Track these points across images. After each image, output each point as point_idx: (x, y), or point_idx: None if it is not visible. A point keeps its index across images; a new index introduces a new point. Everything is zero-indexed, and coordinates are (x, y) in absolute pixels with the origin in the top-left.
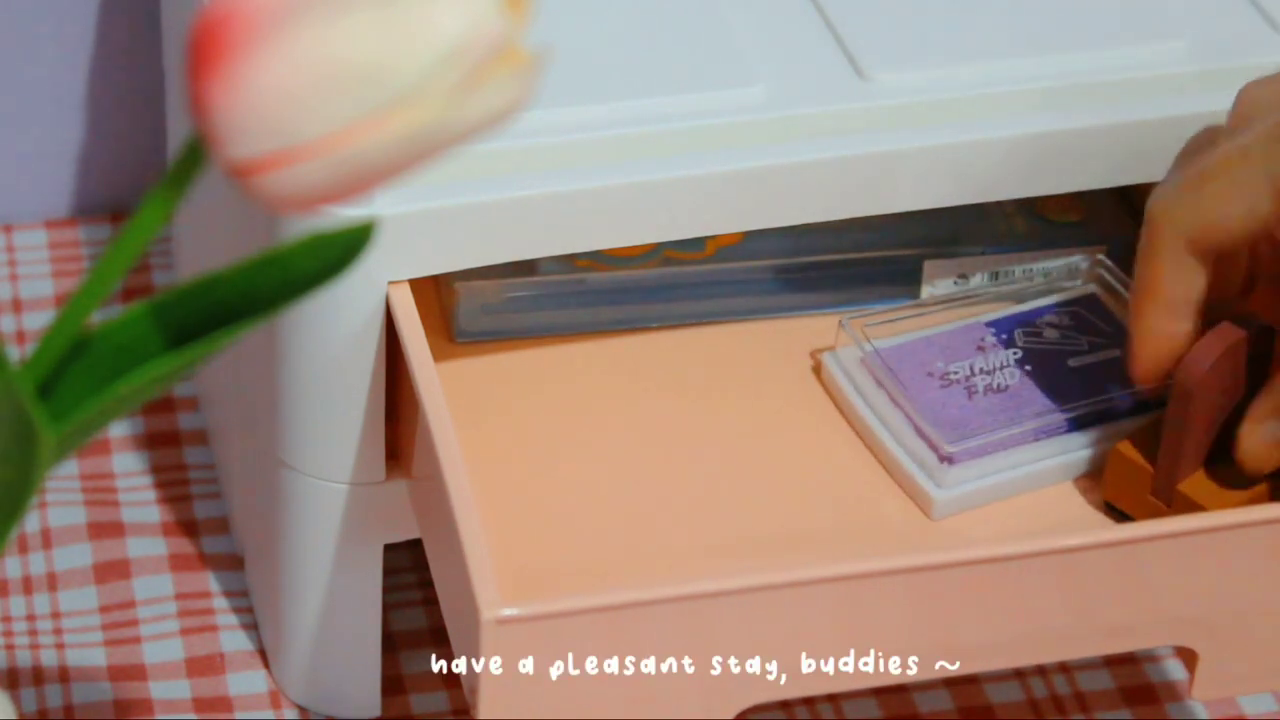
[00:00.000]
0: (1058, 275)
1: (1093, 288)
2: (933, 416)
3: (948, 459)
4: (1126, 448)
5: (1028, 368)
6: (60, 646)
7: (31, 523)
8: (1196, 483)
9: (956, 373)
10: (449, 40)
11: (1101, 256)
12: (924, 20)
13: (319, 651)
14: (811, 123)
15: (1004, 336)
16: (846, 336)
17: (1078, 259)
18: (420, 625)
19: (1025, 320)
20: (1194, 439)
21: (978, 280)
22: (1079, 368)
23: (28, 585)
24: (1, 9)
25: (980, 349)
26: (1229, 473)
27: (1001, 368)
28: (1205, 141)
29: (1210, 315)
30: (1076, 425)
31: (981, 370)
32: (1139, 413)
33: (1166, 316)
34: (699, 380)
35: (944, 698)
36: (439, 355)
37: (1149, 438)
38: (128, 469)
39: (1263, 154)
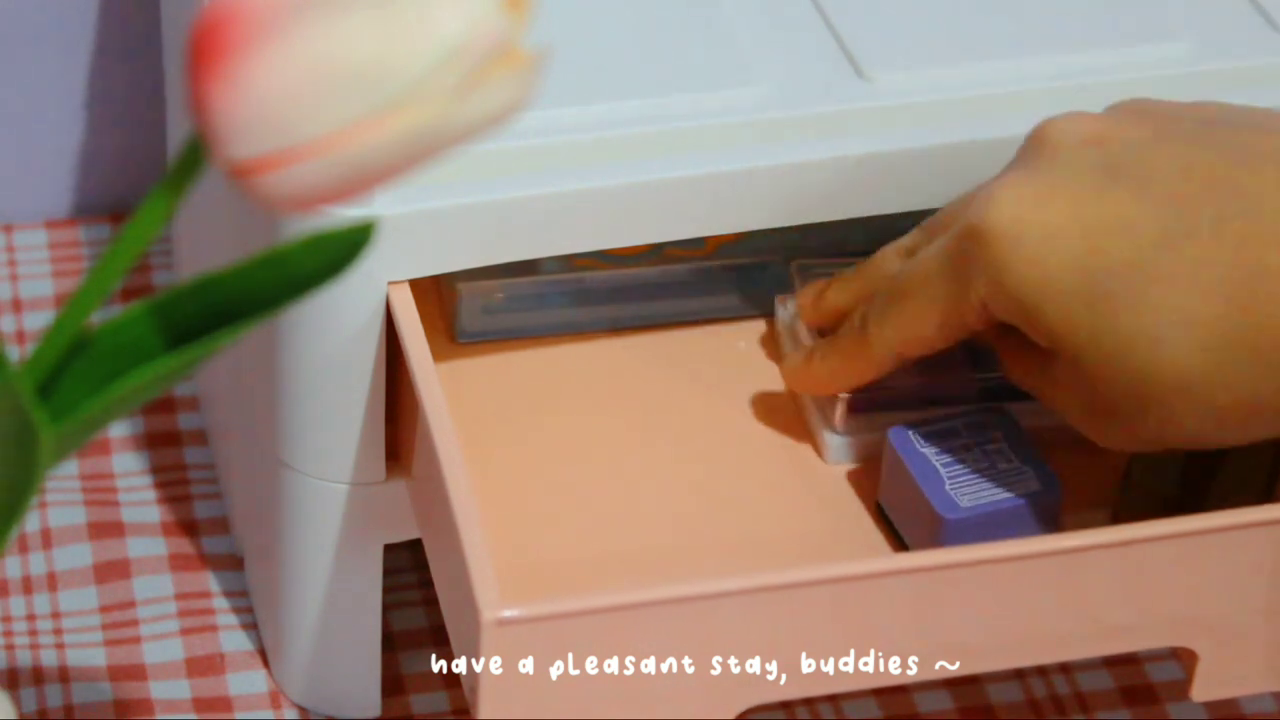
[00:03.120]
0: None
1: None
2: None
3: (846, 404)
4: (1140, 479)
5: None
6: (60, 646)
7: (31, 523)
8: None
9: None
10: (449, 40)
11: None
12: (924, 20)
13: (319, 651)
14: (811, 123)
15: None
16: (796, 283)
17: None
18: (420, 625)
19: None
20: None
21: None
22: None
23: (28, 585)
24: (1, 9)
25: None
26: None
27: None
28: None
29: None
30: (994, 394)
31: None
32: None
33: (853, 384)
34: (700, 379)
35: (944, 698)
36: (439, 355)
37: (1154, 463)
38: (128, 469)
39: (937, 276)
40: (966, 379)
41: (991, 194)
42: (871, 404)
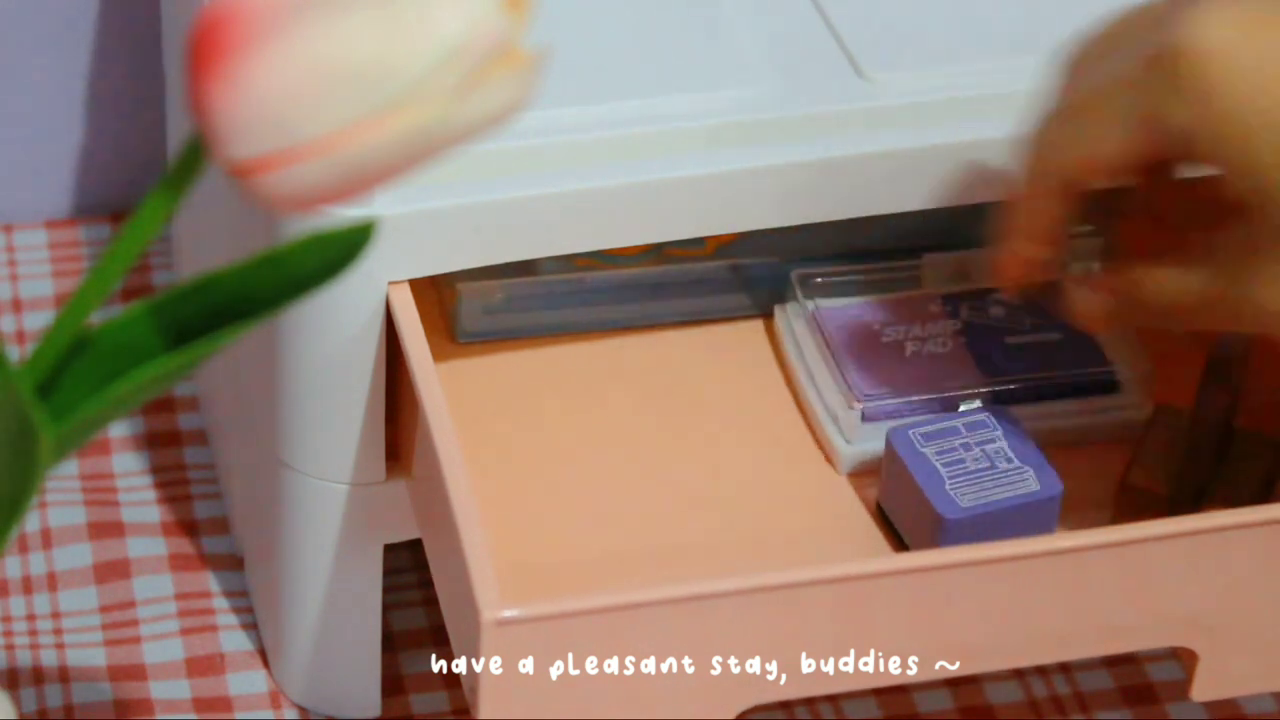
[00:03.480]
0: None
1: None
2: (855, 374)
3: (860, 414)
4: (1139, 479)
5: (964, 340)
6: (60, 646)
7: (31, 523)
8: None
9: (890, 336)
10: (449, 40)
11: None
12: (924, 20)
13: (319, 651)
14: (811, 123)
15: (949, 308)
16: (798, 291)
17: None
18: (420, 625)
19: (977, 296)
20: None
21: (978, 273)
22: (1015, 345)
23: (28, 585)
24: (1, 9)
25: (923, 318)
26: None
27: (935, 336)
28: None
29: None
30: (1002, 400)
31: (916, 336)
32: (1067, 395)
33: (1032, 243)
34: (700, 379)
35: (944, 698)
36: (439, 355)
37: (1154, 464)
38: (128, 469)
39: (1131, 91)
40: (980, 387)
41: (1195, 16)
42: (884, 414)
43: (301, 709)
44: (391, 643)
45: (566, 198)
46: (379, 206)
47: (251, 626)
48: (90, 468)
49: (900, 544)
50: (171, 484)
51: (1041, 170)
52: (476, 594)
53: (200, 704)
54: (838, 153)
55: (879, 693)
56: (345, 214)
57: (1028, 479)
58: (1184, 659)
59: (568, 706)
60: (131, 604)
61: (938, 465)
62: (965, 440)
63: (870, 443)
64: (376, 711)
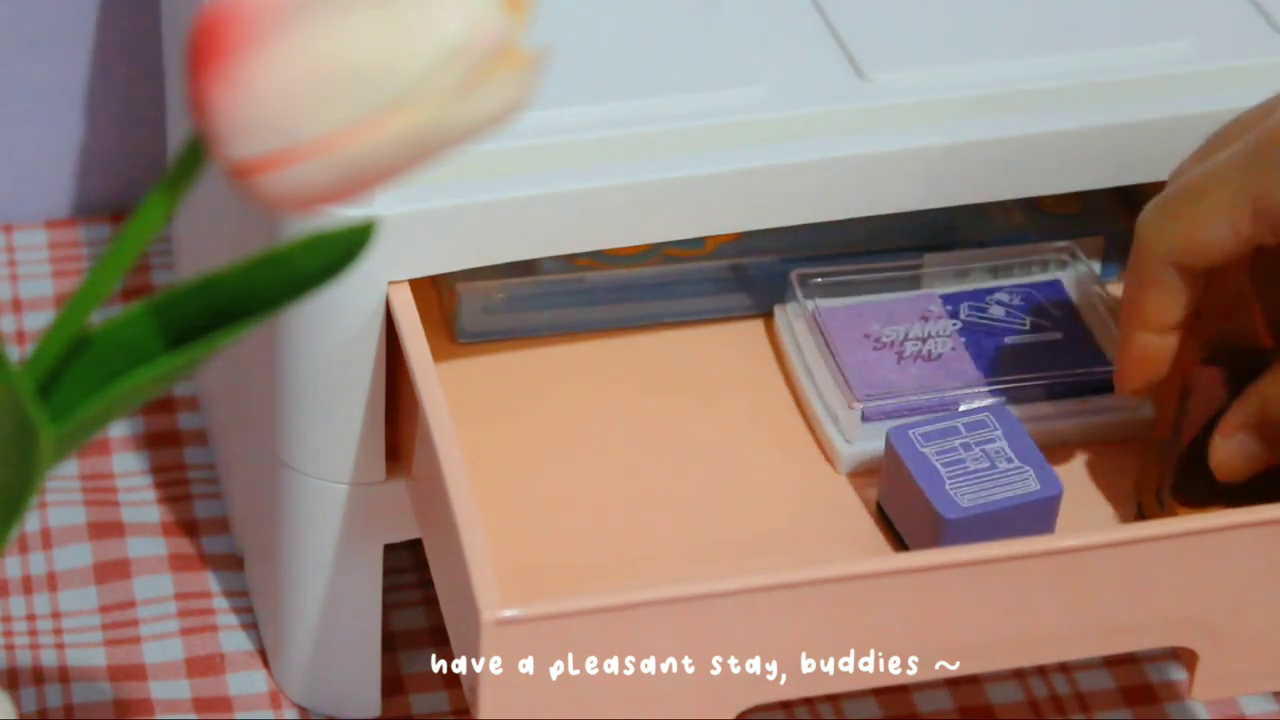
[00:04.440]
0: (1054, 267)
1: (1059, 274)
2: (855, 374)
3: (860, 414)
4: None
5: (963, 340)
6: (60, 646)
7: (31, 523)
8: (1188, 496)
9: (890, 336)
10: (449, 40)
11: (1069, 244)
12: (924, 20)
13: (319, 651)
14: (811, 123)
15: (949, 309)
16: (798, 291)
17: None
18: (420, 625)
19: (976, 296)
20: (1183, 448)
21: (978, 273)
22: (1014, 346)
23: (28, 585)
24: (1, 9)
25: (923, 318)
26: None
27: (935, 336)
28: (1216, 141)
29: (1208, 332)
30: (1002, 400)
31: (915, 337)
32: (1067, 395)
33: (1152, 333)
34: (700, 379)
35: (944, 698)
36: (439, 355)
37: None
38: (128, 469)
39: (1240, 174)
40: (980, 386)
41: None
42: (884, 414)
43: (301, 709)
44: (391, 643)
45: (566, 198)
46: (379, 206)
47: (251, 626)
48: (90, 468)
49: (900, 544)
50: (171, 484)
51: (1151, 257)
52: (476, 594)
53: (200, 704)
54: (838, 153)
55: (879, 693)
56: (345, 214)
57: (1028, 479)
58: (1184, 659)
59: (568, 706)
60: (131, 604)
61: (938, 465)
62: (965, 440)
63: (870, 443)
64: (376, 711)
